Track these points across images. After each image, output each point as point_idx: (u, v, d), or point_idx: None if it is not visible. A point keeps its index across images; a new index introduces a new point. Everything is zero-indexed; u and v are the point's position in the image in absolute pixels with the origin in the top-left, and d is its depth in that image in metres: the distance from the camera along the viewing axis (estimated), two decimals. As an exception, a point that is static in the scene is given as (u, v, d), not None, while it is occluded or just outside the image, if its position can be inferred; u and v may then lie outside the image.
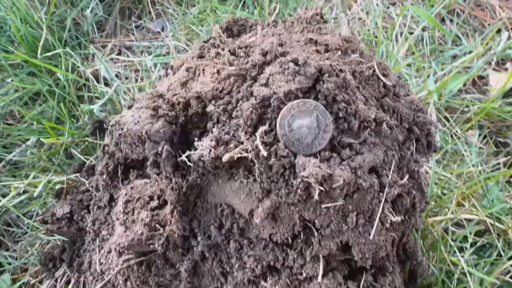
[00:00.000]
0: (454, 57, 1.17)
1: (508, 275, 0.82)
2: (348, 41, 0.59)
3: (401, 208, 0.57)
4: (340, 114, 0.52)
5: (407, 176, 0.56)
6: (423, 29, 1.21)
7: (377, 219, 0.52)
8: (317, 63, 0.52)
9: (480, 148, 1.01)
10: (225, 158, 0.50)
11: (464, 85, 1.13)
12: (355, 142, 0.52)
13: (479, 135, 1.04)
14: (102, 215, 0.77)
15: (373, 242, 0.54)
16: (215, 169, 0.55)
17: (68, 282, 0.81)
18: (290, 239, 0.57)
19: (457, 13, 1.27)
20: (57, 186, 0.91)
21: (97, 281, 0.75)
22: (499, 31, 1.22)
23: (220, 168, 0.54)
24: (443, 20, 1.27)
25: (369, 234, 0.53)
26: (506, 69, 1.16)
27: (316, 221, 0.53)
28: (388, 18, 1.25)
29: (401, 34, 1.17)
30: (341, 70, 0.53)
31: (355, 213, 0.52)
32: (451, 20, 1.26)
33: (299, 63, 0.52)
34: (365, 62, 0.57)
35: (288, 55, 0.55)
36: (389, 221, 0.54)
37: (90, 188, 0.84)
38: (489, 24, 1.24)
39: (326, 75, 0.52)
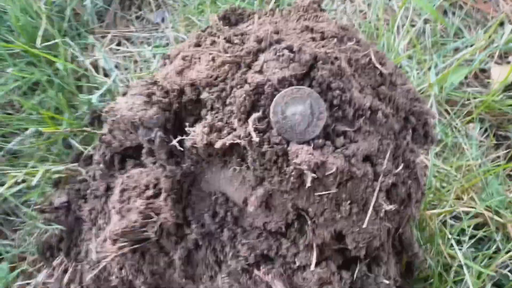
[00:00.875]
0: (456, 50, 1.16)
1: (507, 269, 0.81)
2: (344, 28, 0.58)
3: (396, 197, 0.56)
4: (335, 102, 0.51)
5: (402, 165, 0.56)
6: (425, 22, 1.20)
7: (370, 207, 0.52)
8: (312, 50, 0.52)
9: (480, 141, 1.00)
10: (218, 144, 0.49)
11: (466, 78, 1.12)
12: (350, 130, 0.52)
13: (480, 128, 1.03)
14: (99, 204, 0.77)
15: (366, 231, 0.54)
16: (209, 156, 0.54)
17: (65, 271, 0.82)
18: (283, 228, 0.56)
19: (459, 6, 1.25)
20: (55, 176, 0.91)
21: (93, 269, 0.75)
22: (502, 24, 1.21)
23: (214, 155, 0.54)
24: (445, 12, 1.25)
25: (363, 223, 0.53)
26: (508, 63, 1.15)
27: (310, 210, 0.53)
28: (390, 11, 1.24)
29: (402, 27, 1.16)
30: (336, 58, 0.53)
31: (348, 201, 0.52)
32: (454, 13, 1.24)
33: (293, 50, 0.52)
34: (362, 50, 0.57)
35: (283, 42, 0.54)
36: (383, 210, 0.53)
37: (87, 178, 0.84)
38: (492, 17, 1.23)
39: (321, 62, 0.51)
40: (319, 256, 0.56)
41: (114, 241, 0.63)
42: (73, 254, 0.82)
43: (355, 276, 0.58)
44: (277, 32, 0.58)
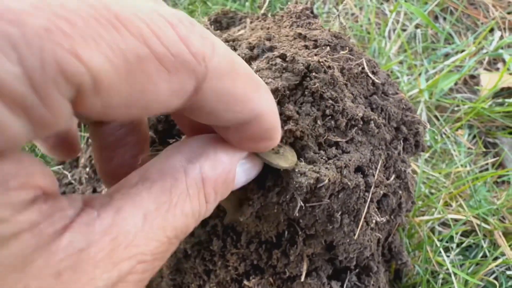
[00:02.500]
0: (447, 56, 1.17)
1: (493, 276, 0.82)
2: (337, 37, 0.58)
3: (387, 208, 0.56)
4: (327, 112, 0.50)
5: (393, 176, 0.55)
6: (416, 27, 1.20)
7: (362, 219, 0.51)
8: (305, 59, 0.51)
9: (469, 148, 1.01)
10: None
11: (456, 84, 1.12)
12: (342, 140, 0.51)
13: (469, 134, 1.04)
14: (85, 209, 0.76)
15: (357, 242, 0.54)
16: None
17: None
18: (274, 238, 0.56)
19: (450, 11, 1.26)
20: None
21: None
22: (491, 30, 1.22)
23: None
24: (436, 17, 1.26)
25: (354, 234, 0.52)
26: (497, 69, 1.16)
27: (301, 220, 0.52)
28: (381, 15, 1.24)
29: (393, 31, 1.17)
30: (329, 67, 0.52)
31: (340, 212, 0.51)
32: (444, 18, 1.25)
33: (286, 59, 0.51)
34: (354, 59, 0.56)
35: (276, 50, 0.53)
36: (374, 221, 0.53)
37: (73, 181, 0.82)
38: (482, 23, 1.24)
39: (314, 71, 0.50)
40: (309, 267, 0.56)
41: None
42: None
43: (344, 286, 0.58)
44: (269, 39, 0.57)
